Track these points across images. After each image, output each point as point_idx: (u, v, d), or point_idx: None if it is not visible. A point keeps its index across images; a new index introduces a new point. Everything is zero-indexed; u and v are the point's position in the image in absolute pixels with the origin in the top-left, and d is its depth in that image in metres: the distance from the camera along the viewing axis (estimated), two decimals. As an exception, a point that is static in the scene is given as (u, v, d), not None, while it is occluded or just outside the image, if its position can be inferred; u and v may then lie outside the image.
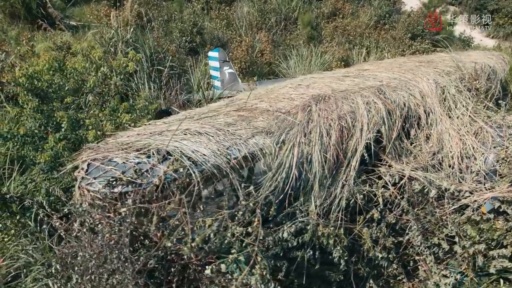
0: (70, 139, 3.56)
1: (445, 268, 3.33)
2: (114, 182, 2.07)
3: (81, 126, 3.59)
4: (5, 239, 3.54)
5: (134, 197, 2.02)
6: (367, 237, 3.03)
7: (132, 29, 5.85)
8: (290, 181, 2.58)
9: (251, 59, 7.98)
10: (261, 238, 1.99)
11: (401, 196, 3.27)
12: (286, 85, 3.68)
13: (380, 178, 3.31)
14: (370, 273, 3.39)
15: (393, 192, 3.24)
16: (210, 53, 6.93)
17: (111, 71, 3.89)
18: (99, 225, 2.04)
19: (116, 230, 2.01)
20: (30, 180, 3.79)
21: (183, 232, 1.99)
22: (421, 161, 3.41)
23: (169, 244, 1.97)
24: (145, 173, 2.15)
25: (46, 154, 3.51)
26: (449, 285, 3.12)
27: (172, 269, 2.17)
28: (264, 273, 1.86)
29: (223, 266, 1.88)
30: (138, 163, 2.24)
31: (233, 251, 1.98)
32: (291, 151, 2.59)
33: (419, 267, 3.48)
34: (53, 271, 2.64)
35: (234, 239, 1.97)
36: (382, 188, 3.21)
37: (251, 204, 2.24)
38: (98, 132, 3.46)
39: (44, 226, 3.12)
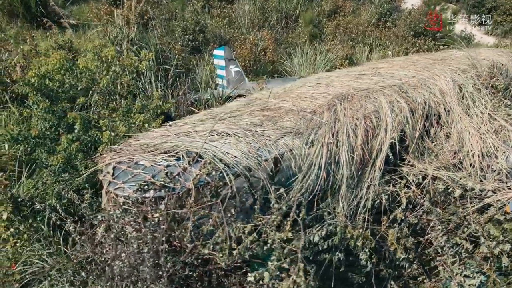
0: (83, 141, 3.46)
1: (465, 268, 3.29)
2: (146, 187, 1.99)
3: (92, 127, 3.50)
4: (18, 244, 3.43)
5: (168, 202, 1.94)
6: (393, 239, 2.98)
7: (136, 27, 5.73)
8: (319, 182, 2.52)
9: (255, 57, 7.91)
10: (302, 243, 1.92)
11: (423, 196, 3.23)
12: (304, 84, 3.61)
13: (401, 177, 3.27)
14: (392, 274, 3.34)
15: (415, 192, 3.20)
16: (215, 52, 6.84)
17: (123, 70, 3.79)
18: (132, 232, 1.95)
19: (149, 237, 1.92)
20: (41, 183, 3.69)
21: (219, 238, 1.91)
22: (443, 160, 3.37)
23: (206, 251, 1.89)
24: (177, 176, 2.07)
25: (59, 156, 3.41)
26: (474, 286, 3.08)
27: (194, 274, 2.10)
28: (311, 280, 1.79)
29: (266, 274, 1.81)
30: (168, 166, 2.15)
31: (272, 257, 1.90)
32: (320, 152, 2.52)
33: (439, 267, 3.43)
34: (74, 277, 2.55)
35: (275, 245, 1.90)
36: (405, 188, 3.17)
37: (283, 208, 2.17)
38: (112, 133, 3.37)
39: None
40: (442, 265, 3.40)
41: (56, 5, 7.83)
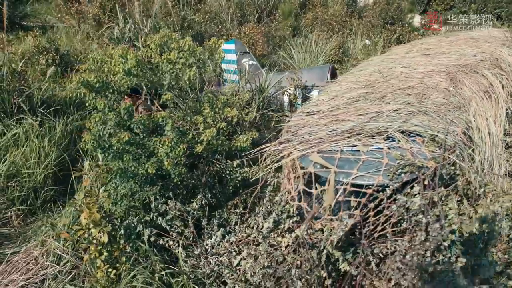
0: (178, 143, 3.04)
1: None
2: (400, 171, 1.80)
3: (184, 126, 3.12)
4: (110, 270, 2.91)
5: (421, 185, 1.78)
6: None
7: (151, 21, 5.24)
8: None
9: (246, 51, 7.72)
10: None
11: None
12: (393, 66, 3.59)
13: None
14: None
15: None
16: (224, 46, 6.51)
17: (203, 62, 3.41)
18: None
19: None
20: (129, 195, 3.19)
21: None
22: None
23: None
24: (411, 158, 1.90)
25: (152, 164, 2.98)
26: None
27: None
28: None
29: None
30: (389, 148, 1.98)
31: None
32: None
33: None
34: None
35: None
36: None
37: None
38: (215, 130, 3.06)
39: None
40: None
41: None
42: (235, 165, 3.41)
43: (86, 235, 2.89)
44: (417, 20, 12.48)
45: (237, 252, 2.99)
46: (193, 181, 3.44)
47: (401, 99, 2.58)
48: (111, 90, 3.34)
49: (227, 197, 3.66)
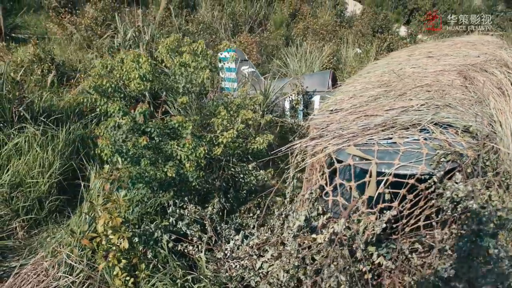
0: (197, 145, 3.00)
1: None
2: (442, 159, 1.81)
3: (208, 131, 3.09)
4: (129, 280, 2.81)
5: (463, 173, 1.79)
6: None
7: (153, 29, 5.21)
8: None
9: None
10: None
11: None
12: (402, 67, 3.65)
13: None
14: None
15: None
16: (224, 54, 6.52)
17: (215, 66, 3.40)
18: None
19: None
20: (145, 201, 3.11)
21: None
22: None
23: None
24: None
25: (170, 167, 2.92)
26: None
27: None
28: None
29: None
30: (425, 139, 2.00)
31: None
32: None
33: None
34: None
35: None
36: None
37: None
38: (235, 132, 3.03)
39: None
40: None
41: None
42: (250, 168, 3.38)
43: (103, 242, 2.80)
44: (403, 29, 12.87)
45: (258, 255, 2.94)
46: (207, 185, 3.39)
47: (422, 95, 2.62)
48: (122, 95, 3.28)
49: (240, 202, 3.62)
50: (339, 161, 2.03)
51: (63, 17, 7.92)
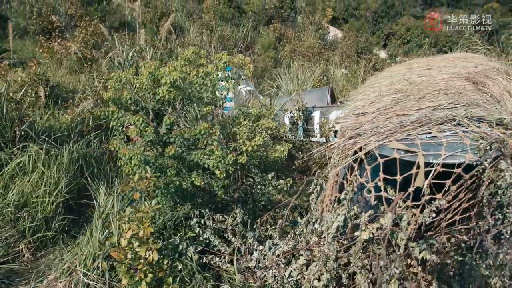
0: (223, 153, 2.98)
1: None
2: (488, 147, 1.88)
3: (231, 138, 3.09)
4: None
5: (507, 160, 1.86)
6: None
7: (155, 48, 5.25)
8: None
9: (235, 82, 7.88)
10: None
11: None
12: (409, 76, 3.80)
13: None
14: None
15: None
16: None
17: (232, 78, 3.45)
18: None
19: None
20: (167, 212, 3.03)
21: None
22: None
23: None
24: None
25: (196, 176, 2.88)
26: None
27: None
28: None
29: None
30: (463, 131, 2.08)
31: None
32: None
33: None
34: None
35: None
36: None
37: None
38: (261, 139, 3.05)
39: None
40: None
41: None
42: (270, 178, 3.38)
43: (128, 255, 2.68)
44: (383, 53, 13.50)
45: (286, 263, 2.90)
46: (226, 197, 3.35)
47: (442, 98, 2.73)
48: (139, 107, 3.26)
49: (255, 214, 3.58)
50: (382, 156, 2.07)
51: (52, 41, 7.87)
